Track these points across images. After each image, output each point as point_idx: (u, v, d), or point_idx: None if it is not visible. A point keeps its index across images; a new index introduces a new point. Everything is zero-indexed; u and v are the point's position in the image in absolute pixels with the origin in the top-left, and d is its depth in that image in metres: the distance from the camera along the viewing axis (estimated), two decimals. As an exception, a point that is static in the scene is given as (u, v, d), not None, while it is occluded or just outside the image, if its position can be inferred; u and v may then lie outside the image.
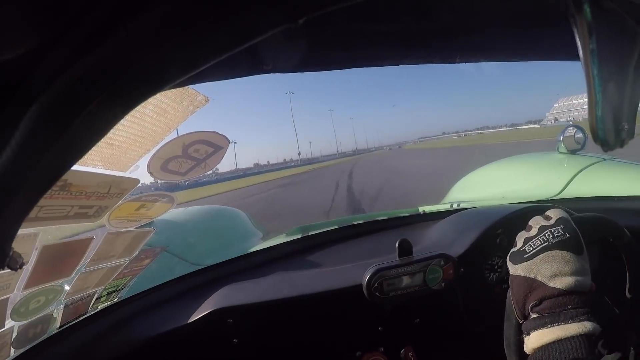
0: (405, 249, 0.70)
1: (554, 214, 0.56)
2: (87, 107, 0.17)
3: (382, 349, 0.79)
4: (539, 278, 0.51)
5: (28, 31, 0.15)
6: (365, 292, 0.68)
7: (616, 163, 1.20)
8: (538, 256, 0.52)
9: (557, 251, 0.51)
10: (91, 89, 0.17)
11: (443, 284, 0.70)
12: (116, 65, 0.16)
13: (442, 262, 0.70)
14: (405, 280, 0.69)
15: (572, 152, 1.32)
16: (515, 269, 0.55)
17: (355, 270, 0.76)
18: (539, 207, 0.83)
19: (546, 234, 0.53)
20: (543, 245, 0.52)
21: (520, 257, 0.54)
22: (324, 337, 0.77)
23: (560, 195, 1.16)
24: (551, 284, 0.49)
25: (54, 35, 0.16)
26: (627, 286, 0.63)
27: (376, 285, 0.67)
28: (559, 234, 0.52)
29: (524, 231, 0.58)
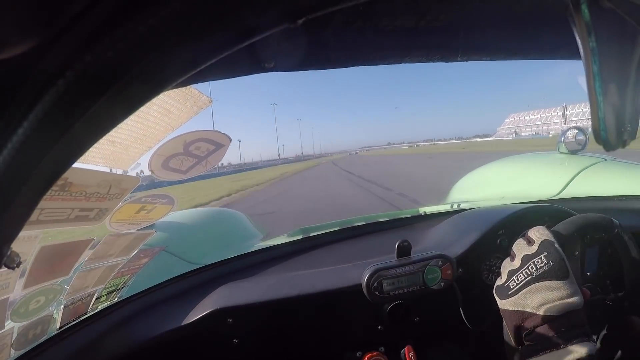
0: (404, 250, 0.71)
1: (536, 236, 0.56)
2: (90, 108, 0.17)
3: (383, 349, 0.79)
4: (527, 309, 0.51)
5: (28, 29, 0.15)
6: (365, 291, 0.68)
7: (617, 163, 1.20)
8: (523, 290, 0.52)
9: (542, 282, 0.51)
10: (93, 90, 0.17)
11: (442, 284, 0.71)
12: (118, 65, 0.16)
13: (440, 263, 0.70)
14: (405, 279, 0.69)
15: (573, 152, 1.33)
16: (502, 304, 0.55)
17: (354, 270, 0.76)
18: (539, 208, 0.83)
19: (529, 267, 0.53)
20: (527, 279, 0.52)
21: (505, 293, 0.55)
22: (324, 336, 0.77)
23: (561, 195, 1.16)
24: (541, 312, 0.50)
25: (55, 34, 0.16)
26: (625, 278, 0.64)
27: (375, 284, 0.67)
28: (542, 265, 0.52)
29: (507, 260, 0.58)
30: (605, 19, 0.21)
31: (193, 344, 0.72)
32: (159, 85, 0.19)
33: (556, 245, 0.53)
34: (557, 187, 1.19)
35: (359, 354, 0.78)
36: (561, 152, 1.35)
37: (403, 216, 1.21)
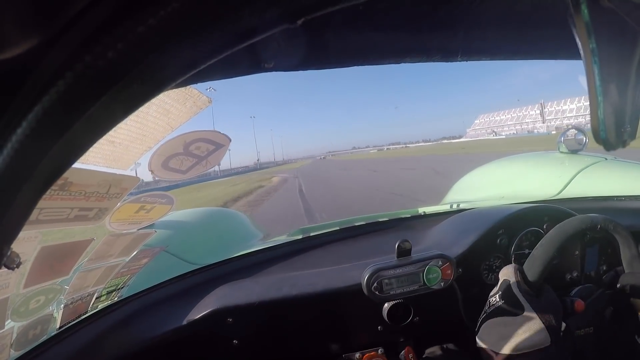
0: (404, 250, 0.70)
1: (500, 274, 0.60)
2: (90, 108, 0.17)
3: (382, 349, 0.79)
4: (488, 347, 0.53)
5: (28, 29, 0.15)
6: (365, 291, 0.68)
7: (617, 162, 1.20)
8: (482, 327, 0.56)
9: (495, 319, 0.54)
10: (93, 90, 0.17)
11: (442, 284, 0.71)
12: (118, 66, 0.16)
13: (440, 263, 0.70)
14: (405, 279, 0.69)
15: (573, 152, 1.33)
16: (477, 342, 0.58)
17: (354, 270, 0.76)
18: (538, 208, 0.83)
19: (486, 305, 0.57)
20: (483, 316, 0.56)
21: (476, 330, 0.58)
22: (324, 337, 0.77)
23: (560, 195, 1.16)
24: (499, 350, 0.51)
25: (55, 34, 0.16)
26: (624, 267, 0.64)
27: (375, 284, 0.67)
28: (494, 302, 0.55)
29: None
30: (605, 19, 0.21)
31: (193, 344, 0.72)
32: (159, 85, 0.19)
33: (512, 282, 0.56)
34: (557, 187, 1.19)
35: (358, 355, 0.78)
36: (561, 152, 1.36)
37: (403, 216, 1.21)
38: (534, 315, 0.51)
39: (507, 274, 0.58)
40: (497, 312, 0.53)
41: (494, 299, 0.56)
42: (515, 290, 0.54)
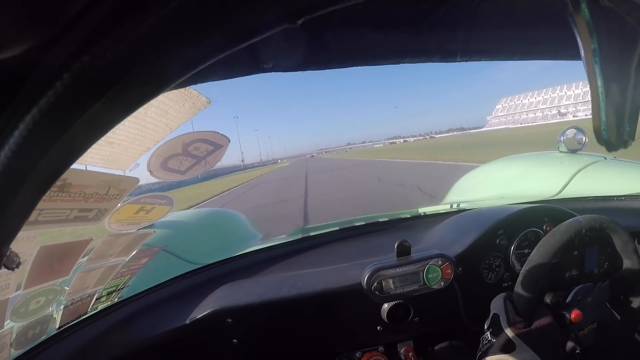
0: (403, 250, 0.70)
1: (491, 306, 0.60)
2: (89, 109, 0.17)
3: (382, 349, 0.79)
4: None
5: (27, 29, 0.15)
6: (365, 290, 0.68)
7: (616, 162, 1.21)
8: None
9: (488, 357, 0.55)
10: (92, 91, 0.16)
11: (442, 283, 0.71)
12: (116, 66, 0.16)
13: (440, 262, 0.70)
14: (405, 279, 0.69)
15: (573, 151, 1.33)
16: None
17: (354, 269, 0.76)
18: (538, 208, 0.83)
19: (480, 343, 0.58)
20: (478, 354, 0.57)
21: None
22: (324, 336, 0.77)
23: (560, 195, 1.16)
24: None
25: (54, 34, 0.15)
26: (624, 265, 0.65)
27: (375, 284, 0.67)
28: (487, 340, 0.57)
29: None
30: (605, 19, 0.21)
31: (192, 344, 0.72)
32: (159, 86, 0.19)
33: (501, 317, 0.57)
34: (557, 186, 1.20)
35: (358, 354, 0.78)
36: (561, 151, 1.36)
37: (403, 216, 1.21)
38: (526, 349, 0.52)
39: (496, 306, 0.59)
40: (491, 350, 0.55)
41: (486, 337, 0.57)
42: (505, 325, 0.55)
